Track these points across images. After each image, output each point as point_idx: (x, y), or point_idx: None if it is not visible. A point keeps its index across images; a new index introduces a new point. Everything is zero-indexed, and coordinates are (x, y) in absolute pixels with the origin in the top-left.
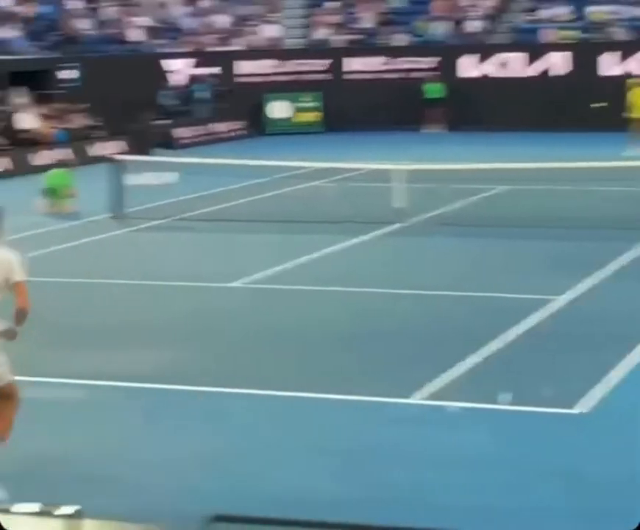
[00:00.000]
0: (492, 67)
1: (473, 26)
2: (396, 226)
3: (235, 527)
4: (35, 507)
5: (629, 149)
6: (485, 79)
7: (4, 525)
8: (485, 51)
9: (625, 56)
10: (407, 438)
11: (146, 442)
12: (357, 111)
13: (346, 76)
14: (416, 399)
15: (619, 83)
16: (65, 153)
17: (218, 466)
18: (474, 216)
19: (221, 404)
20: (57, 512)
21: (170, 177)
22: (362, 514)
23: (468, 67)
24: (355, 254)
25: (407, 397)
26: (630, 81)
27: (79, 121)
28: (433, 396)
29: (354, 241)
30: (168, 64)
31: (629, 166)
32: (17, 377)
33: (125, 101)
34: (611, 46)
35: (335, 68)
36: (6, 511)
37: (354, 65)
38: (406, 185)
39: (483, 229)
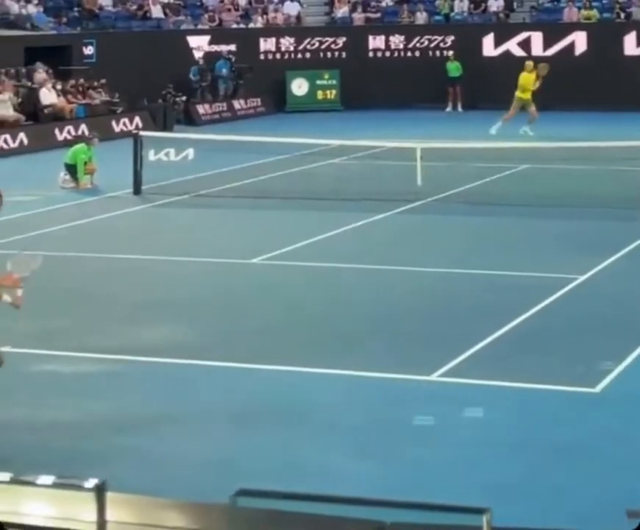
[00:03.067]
0: (513, 46)
1: (495, 5)
2: (416, 204)
3: (260, 501)
4: (57, 479)
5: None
6: (506, 58)
7: (26, 497)
8: (506, 31)
9: None
10: (428, 415)
11: (170, 416)
12: (377, 89)
13: (365, 54)
14: (437, 376)
15: None
16: (85, 128)
17: (243, 440)
18: (495, 194)
19: (242, 379)
20: (81, 484)
21: (190, 154)
22: (383, 490)
23: (489, 46)
24: (375, 231)
25: (428, 374)
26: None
27: (99, 97)
28: (454, 373)
29: (374, 218)
30: (189, 41)
31: None
32: (36, 351)
33: (145, 78)
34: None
35: (355, 46)
36: (28, 483)
37: (373, 43)
38: (426, 163)
39: (504, 207)
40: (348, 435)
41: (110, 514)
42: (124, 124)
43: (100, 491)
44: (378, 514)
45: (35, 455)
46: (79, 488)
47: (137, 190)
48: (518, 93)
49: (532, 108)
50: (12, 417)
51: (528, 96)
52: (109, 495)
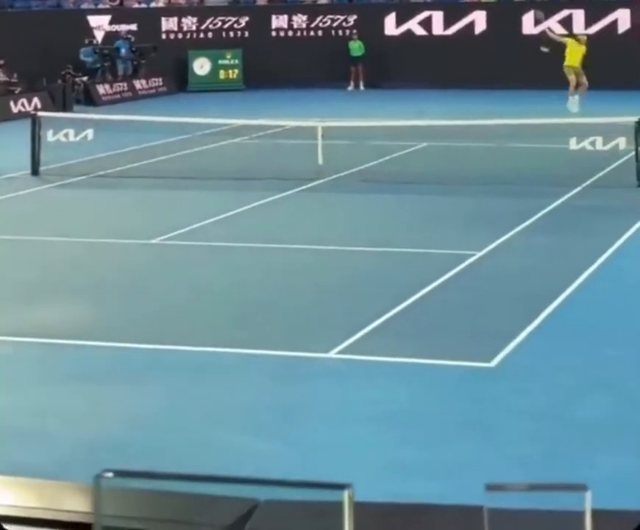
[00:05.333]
0: (414, 25)
1: None
2: (317, 182)
3: (126, 481)
4: None
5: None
6: (407, 37)
7: None
8: (408, 10)
9: None
10: (325, 393)
11: (64, 398)
12: (280, 68)
13: (268, 34)
14: (335, 353)
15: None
16: None
17: (136, 421)
18: (395, 172)
19: (143, 360)
20: None
21: (89, 134)
22: (280, 470)
23: (391, 25)
24: (276, 210)
25: (325, 351)
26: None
27: None
28: (351, 350)
29: (275, 197)
30: (90, 20)
31: (548, 124)
32: None
33: (45, 58)
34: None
35: (258, 26)
36: None
37: (276, 22)
38: (327, 141)
39: (403, 185)
40: (245, 414)
41: None
42: (22, 104)
43: None
44: (253, 493)
45: None
46: None
47: (35, 171)
48: (569, 63)
49: (583, 79)
50: None
51: (577, 64)
52: None
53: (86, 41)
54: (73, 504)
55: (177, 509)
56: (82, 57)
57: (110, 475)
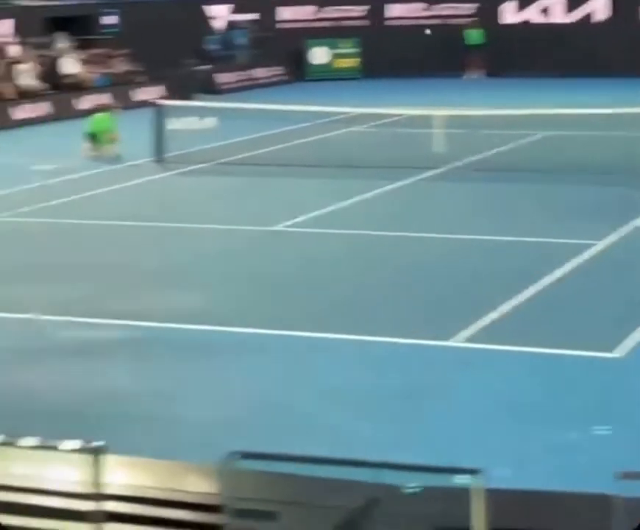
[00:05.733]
0: (533, 13)
1: None
2: (436, 171)
3: (261, 464)
4: (72, 443)
5: None
6: (525, 25)
7: (18, 460)
8: None
9: None
10: (451, 380)
11: (186, 382)
12: (397, 57)
13: (386, 22)
14: (457, 341)
15: None
16: (106, 98)
17: (259, 404)
18: (514, 161)
19: (262, 344)
20: (79, 447)
21: (211, 122)
22: (399, 454)
23: (509, 13)
24: (395, 199)
25: (447, 339)
26: None
27: (120, 66)
28: (473, 339)
29: (394, 186)
30: (209, 10)
31: None
32: (59, 318)
33: (166, 47)
34: None
35: (375, 14)
36: (46, 446)
37: (393, 11)
38: (445, 130)
39: (522, 174)
40: (367, 398)
41: (110, 476)
42: (145, 93)
43: (98, 454)
44: (381, 478)
45: (59, 420)
46: (79, 450)
47: (158, 158)
48: None
49: None
50: (37, 382)
51: None
52: (110, 457)
53: (209, 30)
54: (199, 485)
55: (304, 492)
56: (206, 46)
57: (237, 456)
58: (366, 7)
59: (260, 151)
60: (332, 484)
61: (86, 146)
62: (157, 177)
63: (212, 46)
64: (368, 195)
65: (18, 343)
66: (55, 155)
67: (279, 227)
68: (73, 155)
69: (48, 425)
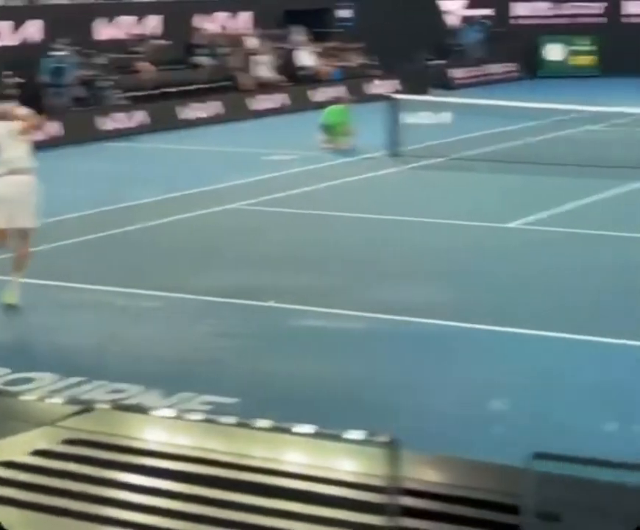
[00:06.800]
0: None
1: None
2: None
3: (554, 465)
4: (358, 434)
5: None
6: None
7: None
8: None
9: None
10: None
11: (436, 375)
12: (636, 56)
13: (623, 20)
14: None
15: None
16: (341, 90)
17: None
18: None
19: (495, 341)
20: (374, 440)
21: (445, 117)
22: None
23: None
24: (629, 200)
25: None
26: None
27: (354, 59)
28: None
29: (629, 187)
30: (443, 4)
31: None
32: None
33: (399, 41)
34: None
35: (612, 12)
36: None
37: (631, 8)
38: None
39: None
40: (589, 395)
41: (404, 471)
42: (379, 86)
43: (394, 447)
44: None
45: (294, 407)
46: (373, 443)
47: (393, 152)
48: None
49: None
50: (277, 369)
51: None
52: (405, 454)
53: (443, 25)
54: (495, 484)
55: (601, 498)
56: (442, 41)
57: (540, 459)
58: (603, 4)
59: (494, 147)
60: (624, 490)
61: (321, 137)
62: (392, 170)
63: (447, 41)
64: (603, 195)
65: (261, 330)
66: (293, 146)
67: (513, 225)
68: (310, 146)
69: (328, 413)
